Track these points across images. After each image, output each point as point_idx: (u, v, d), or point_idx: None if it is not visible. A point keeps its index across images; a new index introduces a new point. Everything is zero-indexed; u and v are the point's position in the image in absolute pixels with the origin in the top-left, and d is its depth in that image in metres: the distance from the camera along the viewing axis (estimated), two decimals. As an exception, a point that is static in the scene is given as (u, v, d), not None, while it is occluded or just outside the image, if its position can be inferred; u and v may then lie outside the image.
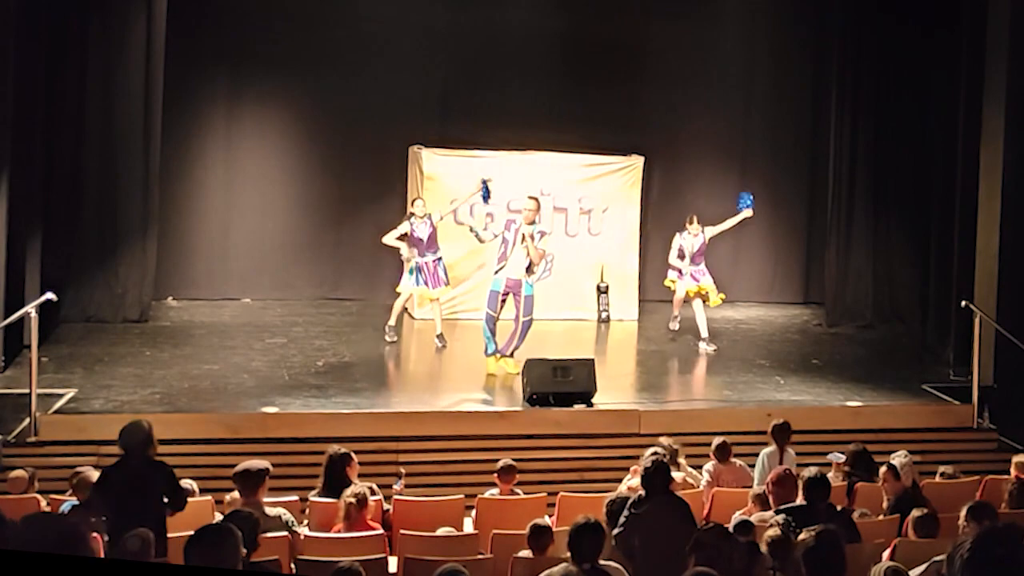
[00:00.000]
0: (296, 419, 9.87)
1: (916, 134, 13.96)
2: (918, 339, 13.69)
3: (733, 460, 8.92)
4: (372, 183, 14.92)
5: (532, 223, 11.30)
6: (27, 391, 9.55)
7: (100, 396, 10.30)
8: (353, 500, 7.29)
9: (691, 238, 12.94)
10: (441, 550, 6.87)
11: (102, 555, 6.33)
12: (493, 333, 11.38)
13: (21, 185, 11.37)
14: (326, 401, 10.38)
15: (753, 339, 13.77)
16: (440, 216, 12.67)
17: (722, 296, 13.09)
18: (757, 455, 9.18)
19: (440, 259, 12.56)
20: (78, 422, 9.57)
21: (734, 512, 7.55)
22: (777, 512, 6.76)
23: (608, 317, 14.31)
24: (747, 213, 13.01)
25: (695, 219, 13.00)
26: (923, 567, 5.46)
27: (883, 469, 8.25)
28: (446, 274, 12.65)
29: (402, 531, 7.35)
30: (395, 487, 8.23)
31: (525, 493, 8.44)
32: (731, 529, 6.46)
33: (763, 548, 5.93)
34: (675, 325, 13.22)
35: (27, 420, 9.46)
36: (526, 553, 6.64)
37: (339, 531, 7.29)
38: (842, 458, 8.86)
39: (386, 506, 7.88)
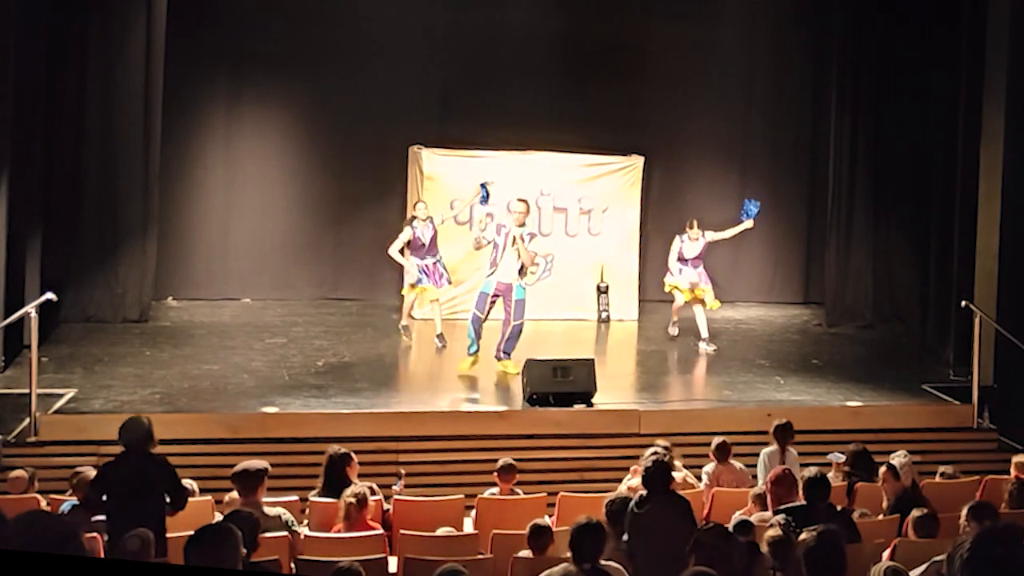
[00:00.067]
0: (296, 419, 9.87)
1: (916, 134, 13.96)
2: (918, 339, 13.69)
3: (732, 461, 8.91)
4: (372, 183, 14.93)
5: (522, 225, 11.29)
6: (27, 391, 9.55)
7: (100, 396, 10.30)
8: (353, 500, 7.29)
9: (691, 243, 12.94)
10: (441, 550, 6.87)
11: (102, 555, 6.34)
12: (478, 335, 11.36)
13: (21, 185, 11.37)
14: (326, 401, 10.38)
15: (753, 339, 13.77)
16: (442, 219, 12.71)
17: (718, 303, 13.10)
18: (757, 455, 9.18)
19: (440, 259, 12.61)
20: (78, 422, 9.57)
21: (734, 512, 7.55)
22: (777, 512, 6.75)
23: (608, 317, 14.32)
24: (747, 224, 13.02)
25: (695, 224, 13.00)
26: (923, 568, 5.46)
27: (883, 469, 8.25)
28: (448, 273, 12.68)
29: (402, 531, 7.35)
30: (395, 488, 8.23)
31: (525, 493, 8.44)
32: (731, 529, 6.46)
33: (763, 548, 5.92)
34: (674, 331, 13.21)
35: (27, 420, 9.46)
36: (526, 553, 6.64)
37: (339, 531, 7.29)
38: (842, 458, 8.87)
39: (386, 506, 7.88)
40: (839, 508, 7.21)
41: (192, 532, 4.97)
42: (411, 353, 12.71)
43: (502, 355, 11.44)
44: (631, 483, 8.22)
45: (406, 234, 12.50)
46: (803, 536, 4.93)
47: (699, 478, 8.83)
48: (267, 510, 7.20)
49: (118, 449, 6.99)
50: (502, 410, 10.43)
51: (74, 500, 7.44)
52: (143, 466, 6.77)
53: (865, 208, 14.37)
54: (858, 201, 14.37)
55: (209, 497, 7.89)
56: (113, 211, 13.28)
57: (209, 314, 13.91)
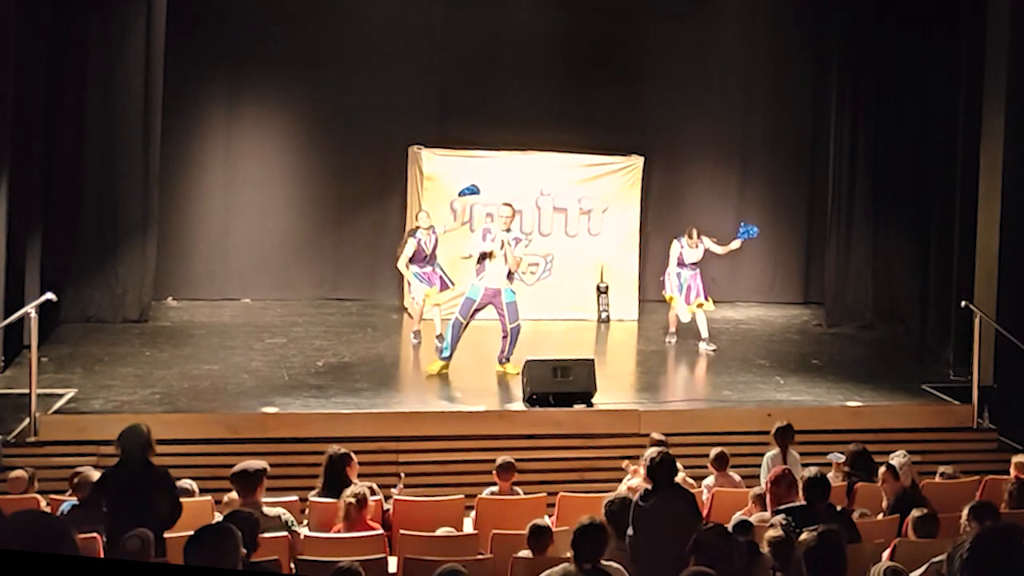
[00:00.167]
0: (296, 419, 9.87)
1: (916, 134, 13.96)
2: (918, 339, 13.69)
3: (731, 473, 8.89)
4: (372, 183, 14.94)
5: (508, 230, 11.26)
6: (27, 391, 9.54)
7: (100, 396, 10.30)
8: (353, 500, 7.29)
9: (690, 250, 12.96)
10: (441, 550, 6.87)
11: (102, 555, 6.34)
12: (455, 341, 11.30)
13: (21, 185, 11.38)
14: (326, 401, 10.38)
15: (753, 339, 13.77)
16: (444, 229, 12.75)
17: (713, 304, 13.11)
18: (756, 455, 9.19)
19: (437, 264, 12.67)
20: (78, 422, 9.57)
21: (734, 512, 7.55)
22: (776, 512, 6.75)
23: (608, 317, 14.32)
24: (736, 245, 13.02)
25: (695, 232, 13.00)
26: (922, 569, 5.46)
27: (882, 469, 8.25)
28: (447, 276, 12.71)
29: (402, 531, 7.35)
30: (394, 491, 8.22)
31: (525, 493, 8.44)
32: (731, 529, 6.46)
33: (764, 548, 5.92)
34: (672, 340, 13.17)
35: (27, 420, 9.46)
36: (526, 553, 6.64)
37: (339, 531, 7.28)
38: (842, 458, 8.86)
39: (386, 506, 7.87)
40: (839, 508, 7.21)
41: (192, 532, 4.97)
42: (411, 353, 12.70)
43: (503, 360, 11.44)
44: (631, 483, 8.22)
45: (411, 246, 12.53)
46: (803, 536, 4.94)
47: (698, 479, 8.82)
48: (267, 510, 7.20)
49: (118, 435, 7.00)
50: (502, 410, 10.43)
51: (74, 500, 7.43)
52: (142, 474, 6.77)
53: (865, 208, 14.37)
54: (858, 201, 14.37)
55: (209, 497, 7.88)
56: (113, 211, 13.28)
57: (209, 314, 13.91)
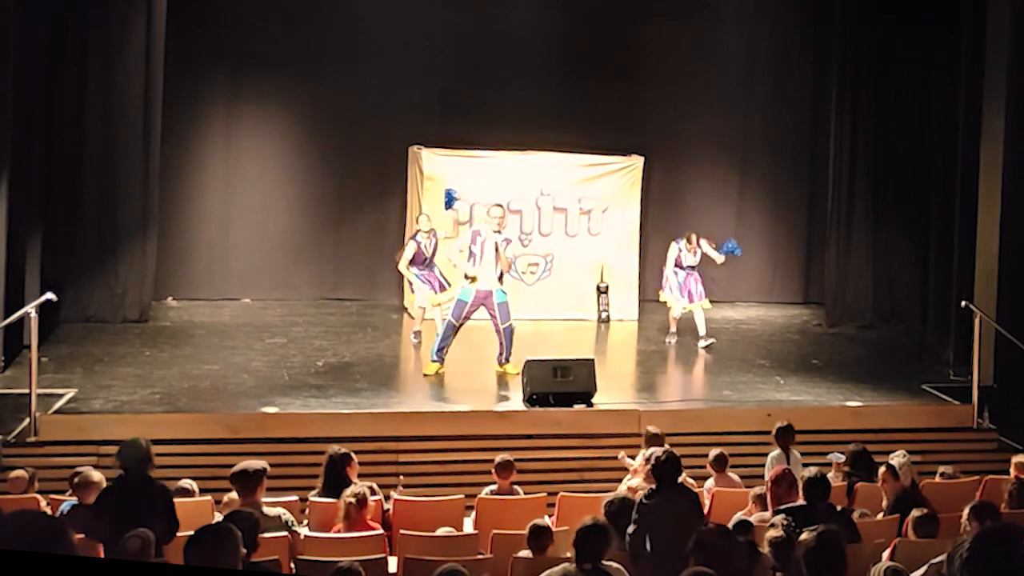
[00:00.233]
0: (296, 419, 9.87)
1: (916, 134, 13.96)
2: (918, 339, 13.69)
3: (730, 474, 8.88)
4: (372, 183, 14.94)
5: (498, 231, 11.26)
6: (27, 391, 9.54)
7: (100, 396, 10.30)
8: (353, 500, 7.29)
9: (689, 255, 12.98)
10: (441, 550, 6.87)
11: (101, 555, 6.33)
12: (448, 342, 11.30)
13: (21, 185, 11.38)
14: (326, 401, 10.38)
15: (753, 339, 13.77)
16: (445, 235, 12.80)
17: (706, 303, 13.14)
18: (756, 455, 9.19)
19: (435, 267, 12.69)
20: (78, 422, 9.57)
21: (734, 512, 7.55)
22: (777, 512, 6.76)
23: (608, 317, 14.32)
24: (720, 258, 13.04)
25: (694, 237, 13.01)
26: (922, 570, 5.46)
27: (882, 469, 8.25)
28: (444, 278, 12.73)
29: (402, 531, 7.35)
30: (393, 495, 8.22)
31: (525, 492, 8.44)
32: (731, 529, 6.46)
33: (764, 548, 5.93)
34: (672, 340, 13.17)
35: (27, 420, 9.46)
36: (526, 553, 6.64)
37: (339, 531, 7.28)
38: (842, 458, 8.86)
39: (386, 506, 7.87)
40: (839, 508, 7.21)
41: (192, 532, 4.97)
42: (411, 353, 12.70)
43: (502, 361, 11.44)
44: (631, 483, 8.22)
45: (411, 248, 12.57)
46: (803, 536, 4.93)
47: (699, 479, 8.82)
48: (267, 510, 7.20)
49: (118, 449, 7.00)
50: (502, 410, 10.43)
51: (74, 500, 7.43)
52: (141, 489, 6.77)
53: (865, 208, 14.37)
54: (858, 201, 14.37)
55: (209, 497, 7.88)
56: (113, 211, 13.29)
57: (209, 314, 13.91)
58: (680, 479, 6.95)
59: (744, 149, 15.84)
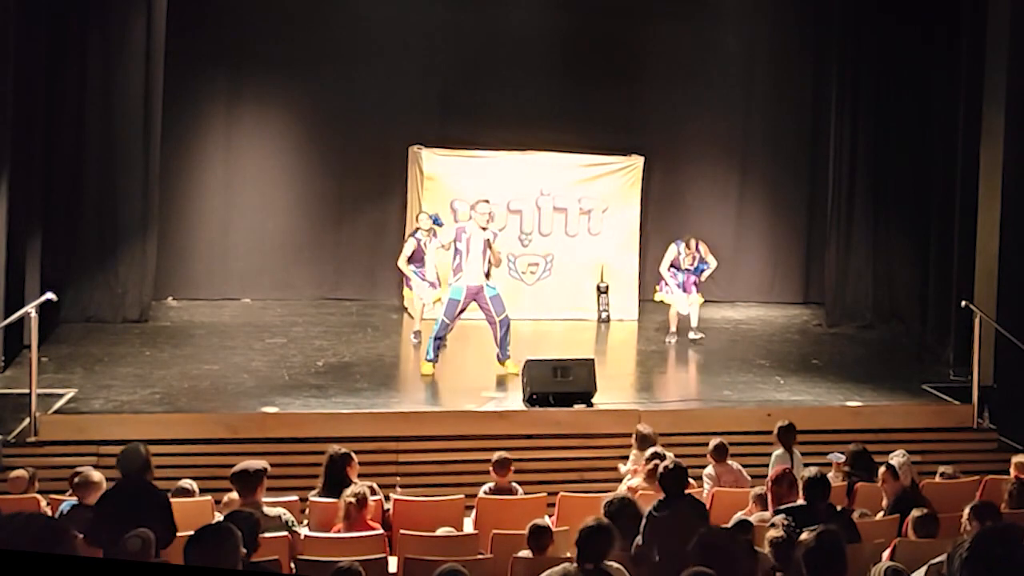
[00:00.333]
0: (296, 419, 9.87)
1: (916, 134, 13.96)
2: (918, 339, 13.68)
3: (729, 462, 8.90)
4: (372, 183, 14.95)
5: (485, 228, 11.26)
6: (27, 391, 9.54)
7: (100, 396, 10.30)
8: (353, 500, 7.29)
9: (687, 259, 13.00)
10: (441, 550, 6.87)
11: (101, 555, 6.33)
12: (441, 342, 11.30)
13: (21, 185, 11.38)
14: (326, 401, 10.38)
15: (753, 339, 13.77)
16: (441, 244, 12.81)
17: (700, 298, 13.18)
18: (756, 455, 9.19)
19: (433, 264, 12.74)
20: (78, 422, 9.58)
21: (734, 512, 7.55)
22: (777, 512, 6.76)
23: (608, 317, 14.32)
24: (714, 265, 13.15)
25: (694, 243, 13.03)
26: (922, 571, 5.46)
27: (882, 469, 8.25)
28: (439, 277, 12.75)
29: (402, 531, 7.35)
30: (392, 495, 8.22)
31: (525, 493, 8.44)
32: (731, 529, 6.46)
33: (765, 548, 5.92)
34: (672, 340, 13.18)
35: (27, 420, 9.46)
36: (526, 553, 6.64)
37: (339, 531, 7.28)
38: (842, 458, 8.86)
39: (386, 506, 7.88)
40: (839, 508, 7.21)
41: (192, 532, 4.97)
42: (411, 353, 12.71)
43: (501, 357, 11.45)
44: (631, 483, 8.22)
45: (411, 245, 12.59)
46: (803, 536, 4.93)
47: (697, 478, 8.82)
48: (267, 510, 7.20)
49: (118, 449, 7.01)
50: (502, 410, 10.42)
51: (74, 500, 7.43)
52: (139, 495, 6.77)
53: (865, 208, 14.37)
54: (858, 201, 14.37)
55: (209, 497, 7.88)
56: (113, 211, 13.29)
57: (209, 314, 13.91)
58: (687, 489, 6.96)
59: (744, 149, 15.84)
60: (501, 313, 11.32)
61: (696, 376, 12.31)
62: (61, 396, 10.19)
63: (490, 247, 11.17)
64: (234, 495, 7.44)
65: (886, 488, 8.14)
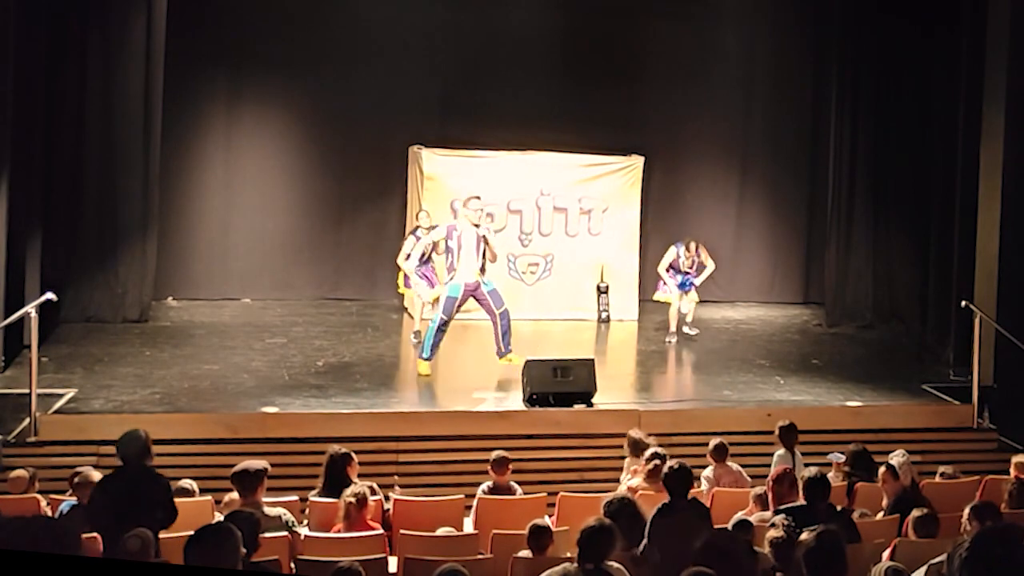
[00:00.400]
0: (296, 419, 9.87)
1: (916, 134, 13.96)
2: (918, 339, 13.69)
3: (729, 463, 8.89)
4: (372, 183, 14.95)
5: (477, 225, 11.27)
6: (27, 391, 9.54)
7: (100, 396, 10.30)
8: (353, 500, 7.29)
9: (685, 261, 13.03)
10: (441, 550, 6.87)
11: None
12: (438, 341, 11.32)
13: (21, 185, 11.38)
14: (326, 401, 10.38)
15: (753, 339, 13.77)
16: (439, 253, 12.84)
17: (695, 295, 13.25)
18: (756, 455, 9.19)
19: (431, 262, 12.72)
20: (78, 422, 9.57)
21: (734, 512, 7.55)
22: (777, 512, 6.76)
23: (608, 317, 14.32)
24: (712, 267, 13.25)
25: (694, 246, 13.05)
26: (923, 570, 5.46)
27: (882, 469, 8.25)
28: (436, 276, 12.76)
29: (402, 531, 7.35)
30: (392, 495, 8.21)
31: (525, 492, 8.44)
32: (731, 529, 6.47)
33: (765, 548, 5.92)
34: (672, 340, 13.18)
35: (27, 420, 9.46)
36: (526, 553, 6.64)
37: (339, 531, 7.29)
38: (842, 458, 8.86)
39: (386, 506, 7.88)
40: (839, 508, 7.21)
41: (192, 532, 4.97)
42: (411, 353, 12.71)
43: (503, 351, 11.45)
44: (631, 483, 8.22)
45: (410, 243, 12.58)
46: (803, 536, 4.93)
47: (697, 479, 8.81)
48: (267, 510, 7.20)
49: (117, 440, 7.00)
50: (502, 410, 10.42)
51: (74, 500, 7.43)
52: (140, 479, 6.78)
53: (865, 208, 14.37)
54: (858, 201, 14.37)
55: (209, 497, 7.88)
56: (113, 211, 13.28)
57: (209, 314, 13.91)
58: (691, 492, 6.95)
59: (744, 149, 15.84)
60: (500, 306, 11.33)
61: (696, 376, 12.31)
62: (61, 396, 10.19)
63: (487, 244, 11.17)
64: (234, 495, 7.45)
65: (886, 488, 8.14)
